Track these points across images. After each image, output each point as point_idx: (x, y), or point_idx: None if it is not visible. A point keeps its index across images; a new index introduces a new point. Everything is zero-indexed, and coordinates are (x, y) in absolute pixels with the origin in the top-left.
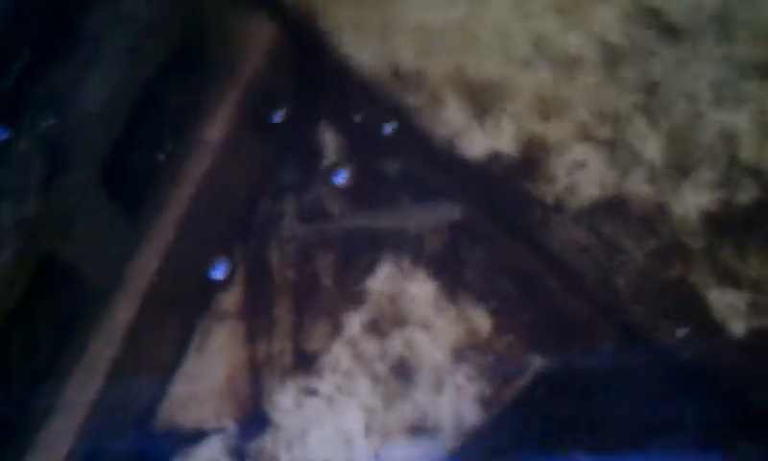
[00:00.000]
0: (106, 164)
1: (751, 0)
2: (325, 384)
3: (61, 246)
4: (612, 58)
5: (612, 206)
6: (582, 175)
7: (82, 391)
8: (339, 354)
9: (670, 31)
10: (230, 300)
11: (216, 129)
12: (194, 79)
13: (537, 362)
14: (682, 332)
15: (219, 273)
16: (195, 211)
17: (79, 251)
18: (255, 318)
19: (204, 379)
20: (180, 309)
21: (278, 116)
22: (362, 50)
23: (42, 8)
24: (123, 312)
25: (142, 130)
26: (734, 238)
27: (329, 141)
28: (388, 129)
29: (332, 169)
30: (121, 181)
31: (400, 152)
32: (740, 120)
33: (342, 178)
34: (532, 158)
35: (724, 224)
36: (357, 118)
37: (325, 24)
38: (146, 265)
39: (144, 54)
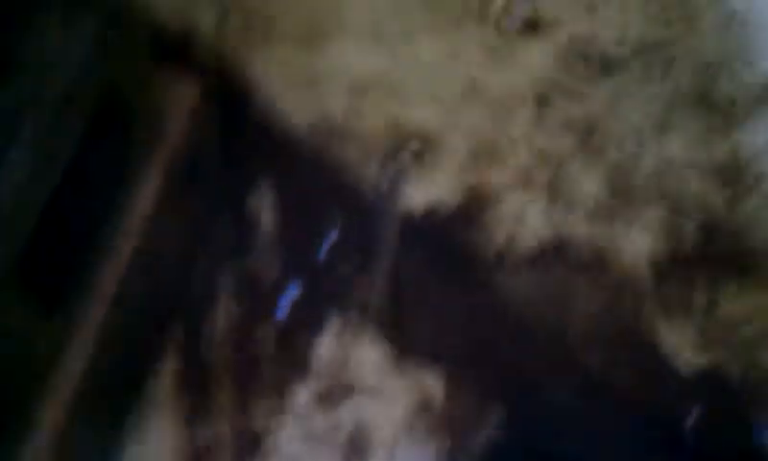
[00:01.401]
0: (20, 257)
1: (688, 27)
2: None
3: None
4: (546, 97)
5: (558, 252)
6: (524, 221)
7: None
8: (286, 434)
9: (605, 66)
10: (166, 383)
11: (143, 199)
12: (116, 149)
13: (493, 423)
14: (637, 375)
15: (153, 355)
16: (125, 292)
17: None
18: (194, 400)
19: None
20: (113, 401)
21: (207, 177)
22: (291, 101)
23: None
24: (49, 420)
25: (62, 211)
26: (683, 273)
27: (263, 198)
28: (322, 182)
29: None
30: (41, 271)
31: (336, 205)
32: (680, 153)
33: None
34: (472, 207)
35: (671, 260)
36: (290, 172)
37: (252, 76)
38: (73, 362)
39: (62, 130)
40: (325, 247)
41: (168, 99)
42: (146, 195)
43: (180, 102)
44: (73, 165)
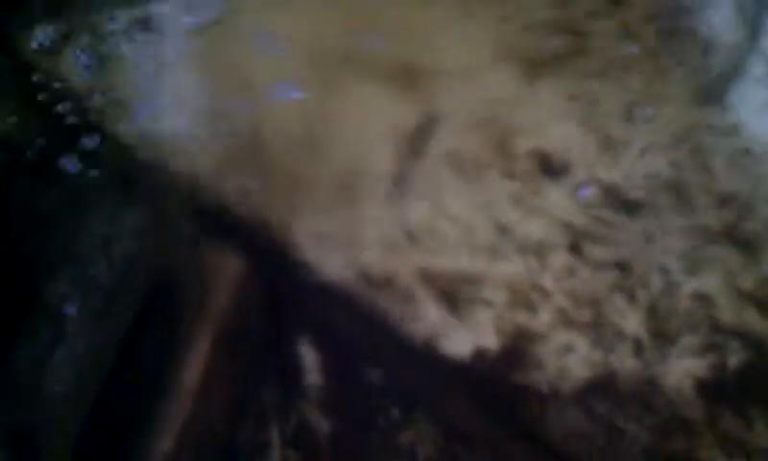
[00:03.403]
0: (78, 440)
1: (703, 166)
2: None
3: None
4: (577, 240)
5: (605, 387)
6: (569, 359)
7: None
8: None
9: (630, 206)
10: None
11: (192, 371)
12: (165, 324)
13: None
14: None
15: None
16: None
17: None
18: None
19: None
20: None
21: (254, 342)
22: (329, 259)
23: None
24: None
25: (115, 392)
26: (733, 404)
27: (307, 356)
28: (363, 333)
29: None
30: (95, 450)
31: (381, 358)
32: (713, 285)
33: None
34: (516, 350)
35: (718, 390)
36: (332, 326)
37: (291, 240)
38: None
39: (112, 317)
40: (370, 396)
41: (215, 269)
42: (194, 367)
43: (227, 271)
44: (124, 347)
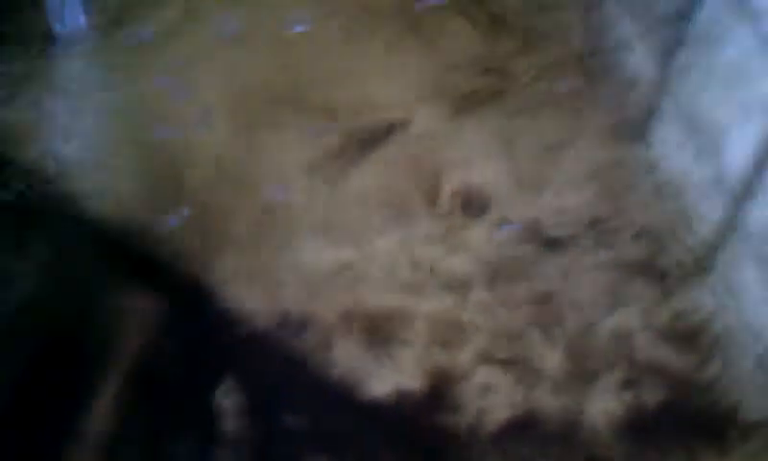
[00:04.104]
0: None
1: (620, 202)
2: None
3: None
4: (497, 276)
5: (525, 426)
6: (490, 399)
7: None
8: None
9: (549, 242)
10: None
11: (100, 417)
12: (69, 369)
13: None
14: None
15: None
16: None
17: None
18: None
19: None
20: None
21: (169, 384)
22: (249, 300)
23: None
24: None
25: (8, 437)
26: (650, 443)
27: (226, 401)
28: (285, 374)
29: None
30: None
31: (302, 402)
32: (630, 320)
33: None
34: (437, 390)
35: (635, 428)
36: (253, 367)
37: (210, 279)
38: None
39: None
40: (291, 441)
41: (125, 314)
42: (102, 413)
43: (138, 316)
44: (21, 388)
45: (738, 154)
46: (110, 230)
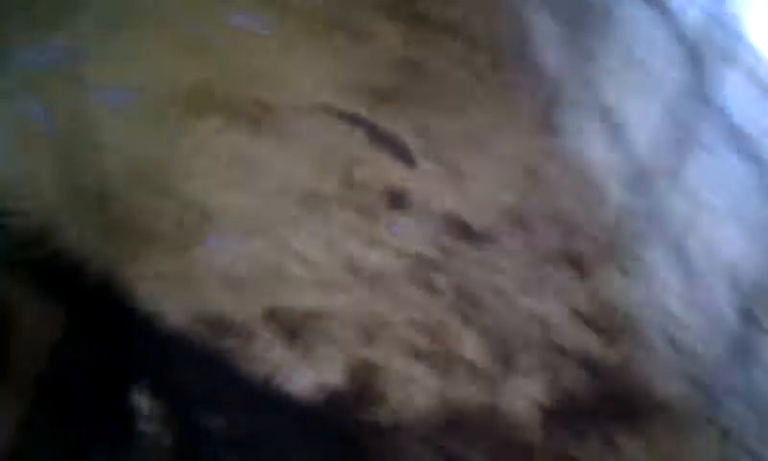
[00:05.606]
0: None
1: (540, 191)
2: None
3: None
4: (417, 268)
5: (448, 416)
6: (412, 390)
7: None
8: None
9: (470, 233)
10: None
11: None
12: None
13: None
14: None
15: None
16: None
17: None
18: None
19: None
20: None
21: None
22: (165, 301)
23: None
24: None
25: None
26: (567, 425)
27: (143, 404)
28: (205, 377)
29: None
30: None
31: (223, 404)
32: (549, 306)
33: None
34: (361, 385)
35: (554, 411)
36: (171, 372)
37: (126, 282)
38: None
39: None
40: (212, 444)
41: (29, 321)
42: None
43: (44, 323)
44: None
45: (641, 138)
46: (19, 231)
